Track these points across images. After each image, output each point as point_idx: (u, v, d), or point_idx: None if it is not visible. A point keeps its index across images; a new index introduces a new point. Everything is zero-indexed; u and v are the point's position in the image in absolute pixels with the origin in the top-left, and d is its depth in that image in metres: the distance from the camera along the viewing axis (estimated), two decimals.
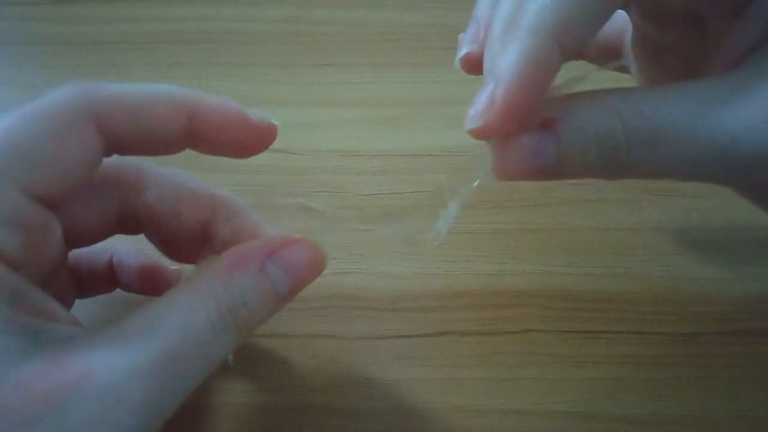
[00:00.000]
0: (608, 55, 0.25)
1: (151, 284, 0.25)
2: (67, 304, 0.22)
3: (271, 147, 0.33)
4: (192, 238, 0.22)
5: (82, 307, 0.23)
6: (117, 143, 0.19)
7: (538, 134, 0.16)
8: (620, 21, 0.24)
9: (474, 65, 0.21)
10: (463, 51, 0.21)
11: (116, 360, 0.15)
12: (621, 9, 0.22)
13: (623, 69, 0.25)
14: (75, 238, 0.20)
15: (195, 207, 0.21)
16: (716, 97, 0.15)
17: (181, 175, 0.22)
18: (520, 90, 0.15)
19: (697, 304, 0.27)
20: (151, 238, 0.23)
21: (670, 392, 0.25)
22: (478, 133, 0.16)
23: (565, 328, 0.26)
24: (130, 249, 0.25)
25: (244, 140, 0.20)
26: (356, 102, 0.36)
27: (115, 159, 0.20)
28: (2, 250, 0.16)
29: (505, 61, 0.15)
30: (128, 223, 0.22)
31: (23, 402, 0.14)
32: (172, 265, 0.25)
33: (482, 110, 0.16)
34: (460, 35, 0.22)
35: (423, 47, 0.39)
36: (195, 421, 0.24)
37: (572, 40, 0.16)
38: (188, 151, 0.20)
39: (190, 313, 0.17)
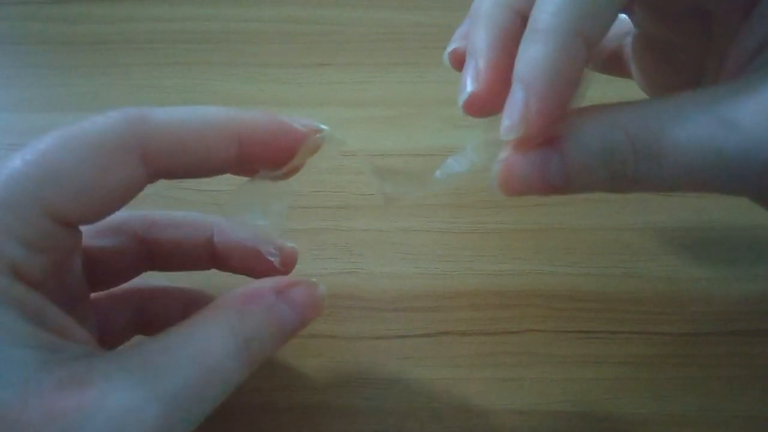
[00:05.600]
0: (609, 61, 0.25)
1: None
2: (87, 319, 0.22)
3: None
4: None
5: None
6: (164, 172, 0.18)
7: (542, 151, 0.16)
8: (621, 26, 0.24)
9: (460, 62, 0.20)
10: (452, 46, 0.21)
11: (134, 383, 0.16)
12: (624, 11, 0.22)
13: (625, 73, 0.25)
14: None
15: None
16: (723, 106, 0.15)
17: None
18: (552, 93, 0.15)
19: (697, 304, 0.27)
20: None
21: (670, 392, 0.25)
22: (520, 142, 0.16)
23: (565, 328, 0.26)
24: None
25: (293, 153, 0.20)
26: (356, 102, 0.36)
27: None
28: (25, 271, 0.16)
29: (531, 65, 0.15)
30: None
31: (42, 417, 0.14)
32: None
33: (519, 118, 0.15)
34: (457, 31, 0.21)
35: (423, 47, 0.39)
36: None
37: (594, 31, 0.16)
38: None
39: (208, 342, 0.17)
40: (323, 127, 0.20)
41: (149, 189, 0.18)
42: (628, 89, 0.25)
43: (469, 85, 0.17)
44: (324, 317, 0.27)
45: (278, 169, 0.20)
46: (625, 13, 0.22)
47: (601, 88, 0.27)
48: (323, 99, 0.36)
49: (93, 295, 0.22)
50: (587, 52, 0.16)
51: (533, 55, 0.15)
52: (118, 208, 0.18)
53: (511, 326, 0.26)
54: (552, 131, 0.16)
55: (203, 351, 0.17)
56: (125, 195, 0.18)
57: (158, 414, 0.15)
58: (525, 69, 0.15)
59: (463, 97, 0.18)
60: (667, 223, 0.30)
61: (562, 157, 0.16)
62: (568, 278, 0.28)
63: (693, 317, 0.27)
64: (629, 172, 0.16)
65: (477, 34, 0.17)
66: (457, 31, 0.21)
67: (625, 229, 0.30)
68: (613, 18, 0.16)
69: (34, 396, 0.15)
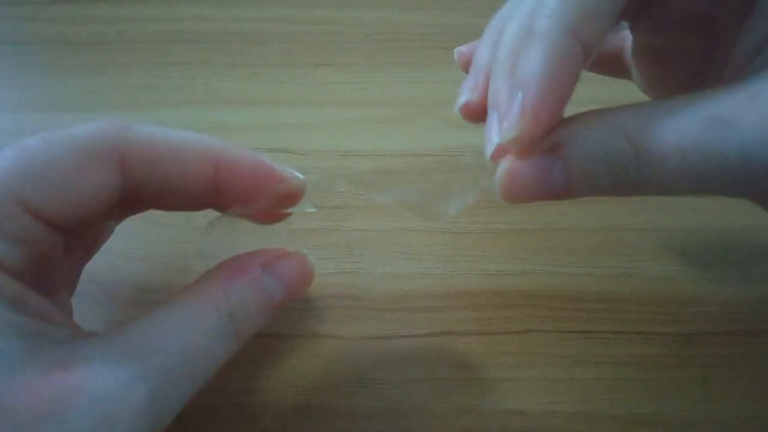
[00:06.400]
0: (608, 65, 0.25)
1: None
2: (66, 305, 0.22)
3: (270, 147, 0.33)
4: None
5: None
6: (138, 188, 0.18)
7: (544, 158, 0.16)
8: (619, 28, 0.24)
9: (473, 114, 0.20)
10: (462, 99, 0.20)
11: (119, 364, 0.16)
12: (622, 19, 0.22)
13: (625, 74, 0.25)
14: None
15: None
16: (724, 108, 0.15)
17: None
18: (548, 93, 0.15)
19: (697, 304, 0.27)
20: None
21: (670, 392, 0.25)
22: (522, 149, 0.16)
23: (565, 328, 0.26)
24: None
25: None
26: (356, 102, 0.36)
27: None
28: (4, 263, 0.16)
29: (527, 67, 0.15)
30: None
31: (27, 405, 0.14)
32: None
33: (515, 120, 0.15)
34: (463, 84, 0.21)
35: (423, 47, 0.39)
36: (195, 421, 0.24)
37: (591, 34, 0.16)
38: None
39: (193, 318, 0.17)
40: (299, 176, 0.20)
41: None
42: (628, 91, 0.25)
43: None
44: (324, 317, 0.27)
45: (249, 207, 0.20)
46: (624, 20, 0.22)
47: (601, 89, 0.28)
48: (323, 99, 0.36)
49: None
50: (584, 54, 0.16)
51: (529, 57, 0.15)
52: (94, 212, 0.18)
53: (512, 326, 0.26)
54: (553, 137, 0.16)
55: (187, 328, 0.17)
56: (101, 199, 0.18)
57: (145, 394, 0.16)
58: (521, 71, 0.16)
59: (507, 137, 0.17)
60: (667, 223, 0.30)
61: (564, 163, 0.16)
62: (568, 278, 0.28)
63: (693, 317, 0.27)
64: (632, 177, 0.16)
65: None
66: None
67: (625, 229, 0.30)
68: (610, 21, 0.16)
69: (19, 383, 0.15)
